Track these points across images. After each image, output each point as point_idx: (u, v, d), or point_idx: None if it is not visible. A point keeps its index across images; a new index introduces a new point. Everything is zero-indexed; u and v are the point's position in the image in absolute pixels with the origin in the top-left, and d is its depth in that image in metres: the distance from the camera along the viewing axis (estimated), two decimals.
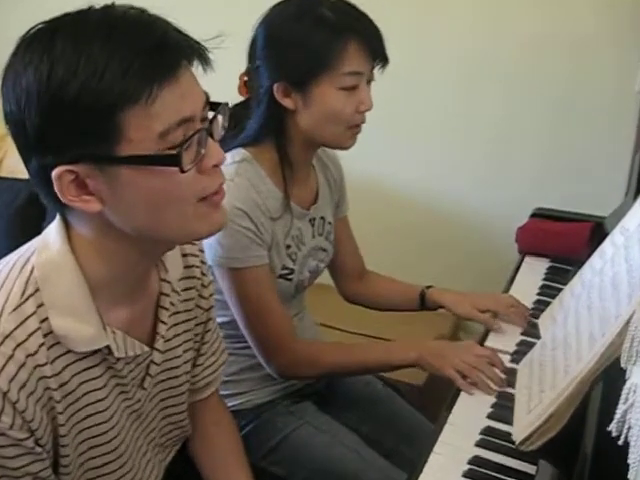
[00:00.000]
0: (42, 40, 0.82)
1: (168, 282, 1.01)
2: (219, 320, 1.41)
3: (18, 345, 0.87)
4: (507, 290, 1.69)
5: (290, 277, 1.49)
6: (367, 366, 1.45)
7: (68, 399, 0.93)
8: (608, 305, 1.05)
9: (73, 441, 0.96)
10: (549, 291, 1.68)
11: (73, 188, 0.84)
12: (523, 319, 1.55)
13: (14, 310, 0.88)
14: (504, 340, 1.51)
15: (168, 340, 1.03)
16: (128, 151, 0.81)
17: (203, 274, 1.10)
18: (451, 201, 2.53)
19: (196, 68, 0.87)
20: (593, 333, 1.05)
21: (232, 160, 1.40)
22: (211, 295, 1.14)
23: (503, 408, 1.27)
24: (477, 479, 1.16)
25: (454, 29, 2.35)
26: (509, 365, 1.40)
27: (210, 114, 0.89)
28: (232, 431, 1.27)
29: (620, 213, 1.44)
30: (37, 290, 0.89)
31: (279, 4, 1.40)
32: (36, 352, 0.88)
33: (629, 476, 0.75)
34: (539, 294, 1.70)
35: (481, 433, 1.25)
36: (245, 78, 1.43)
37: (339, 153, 1.58)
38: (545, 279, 1.76)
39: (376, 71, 1.40)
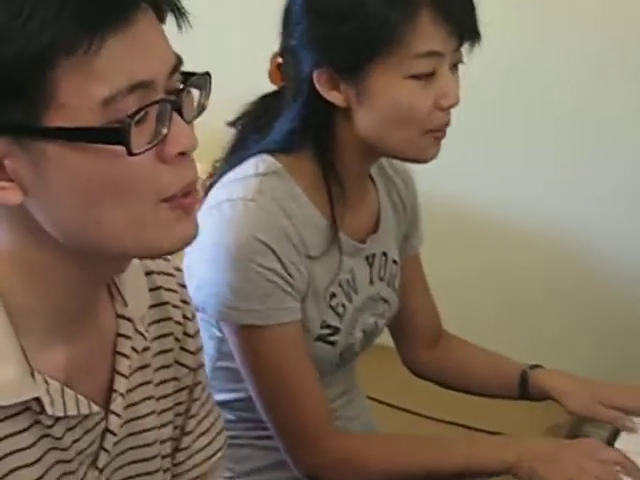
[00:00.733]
0: None
1: (128, 320, 0.94)
2: (229, 396, 1.30)
3: None
4: None
5: (334, 339, 1.31)
6: (439, 470, 1.28)
7: None
8: None
9: None
10: None
11: None
12: None
13: None
14: None
15: (133, 405, 0.96)
16: (59, 121, 0.76)
17: (186, 318, 1.03)
18: (568, 235, 2.38)
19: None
20: None
21: (254, 171, 1.23)
22: (199, 349, 1.05)
23: None
24: None
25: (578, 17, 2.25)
26: None
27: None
28: None
29: None
30: None
31: None
32: None
33: None
34: None
35: None
36: (279, 60, 1.26)
37: (412, 166, 1.42)
38: None
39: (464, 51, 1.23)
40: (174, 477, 1.08)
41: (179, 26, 0.80)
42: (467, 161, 2.36)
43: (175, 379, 1.03)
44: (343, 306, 1.30)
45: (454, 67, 1.21)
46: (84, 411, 0.90)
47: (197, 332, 1.06)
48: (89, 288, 0.89)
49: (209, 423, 1.11)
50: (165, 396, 1.02)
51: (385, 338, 1.51)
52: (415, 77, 1.17)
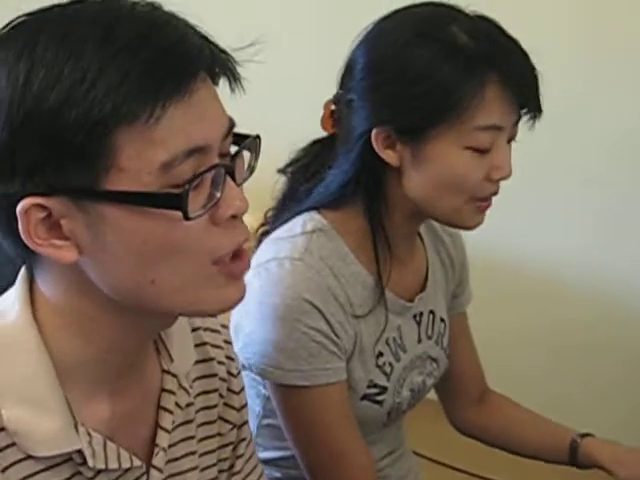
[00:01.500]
0: (22, 36, 0.78)
1: (173, 375, 0.94)
2: (275, 454, 1.29)
3: None
4: None
5: (381, 399, 1.27)
6: None
7: None
8: None
9: None
10: None
11: (43, 229, 0.78)
12: None
13: None
14: None
15: (175, 460, 0.95)
16: (118, 185, 0.76)
17: (231, 374, 1.02)
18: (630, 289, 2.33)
19: (226, 92, 0.81)
20: None
21: (302, 229, 1.22)
22: (244, 406, 1.04)
23: None
24: None
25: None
26: None
27: (234, 150, 0.84)
28: None
29: None
30: None
31: (388, 17, 1.20)
32: None
33: None
34: None
35: None
36: (332, 107, 1.24)
37: None
38: None
39: (522, 124, 1.20)
40: None
41: (232, 90, 0.81)
42: (514, 216, 2.33)
43: (219, 435, 1.02)
44: (390, 365, 1.27)
45: (509, 141, 1.19)
46: (126, 465, 0.90)
47: (242, 389, 1.04)
48: (136, 342, 0.89)
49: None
50: (208, 452, 1.01)
51: (432, 391, 1.47)
52: (473, 149, 1.16)
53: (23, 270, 0.86)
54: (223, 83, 0.81)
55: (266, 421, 1.24)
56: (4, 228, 0.81)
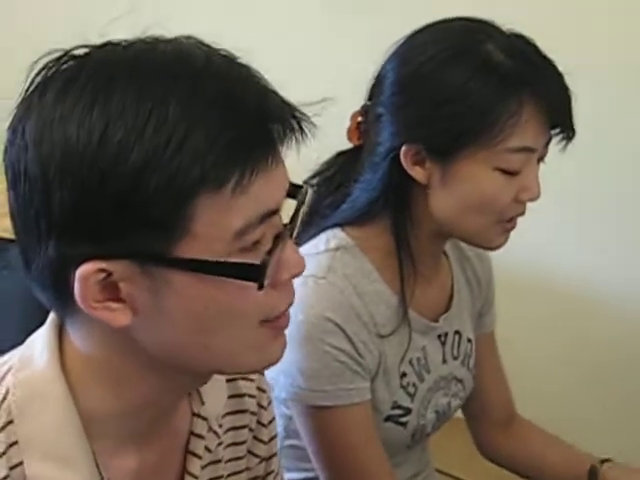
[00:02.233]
0: (91, 81, 0.72)
1: (204, 419, 0.91)
2: (298, 475, 1.27)
3: None
4: None
5: (405, 420, 1.26)
6: None
7: None
8: None
9: None
10: None
11: (98, 291, 0.74)
12: None
13: None
14: None
15: None
16: (190, 251, 0.72)
17: (261, 406, 1.00)
18: None
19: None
20: None
21: (325, 247, 1.21)
22: (272, 439, 1.01)
23: None
24: None
25: None
26: None
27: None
28: None
29: None
30: (10, 422, 0.81)
31: (421, 31, 1.18)
32: None
33: None
34: None
35: None
36: (359, 118, 1.23)
37: None
38: None
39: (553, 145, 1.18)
40: None
41: (297, 141, 0.77)
42: (543, 233, 2.30)
43: (247, 469, 1.00)
44: (414, 386, 1.26)
45: (539, 161, 1.18)
46: None
47: (271, 420, 1.02)
48: (171, 398, 0.87)
49: None
50: None
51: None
52: (502, 170, 1.14)
53: (52, 315, 0.83)
54: None
55: (289, 442, 1.23)
56: (52, 288, 0.77)
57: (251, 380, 0.99)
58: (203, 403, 0.92)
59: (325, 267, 1.17)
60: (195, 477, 0.91)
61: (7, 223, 0.81)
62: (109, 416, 0.82)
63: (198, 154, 0.70)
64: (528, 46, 1.13)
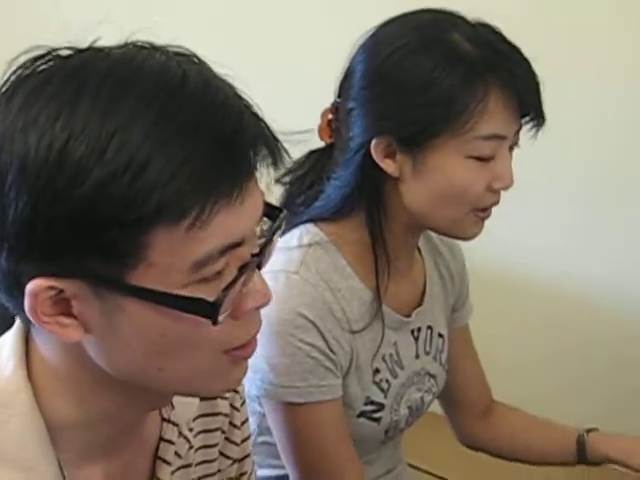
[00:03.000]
0: (61, 92, 0.69)
1: (174, 424, 0.89)
2: (271, 472, 1.26)
3: None
4: None
5: (378, 416, 1.25)
6: None
7: None
8: None
9: None
10: None
11: (49, 305, 0.72)
12: None
13: None
14: None
15: None
16: (145, 280, 0.70)
17: (234, 408, 0.98)
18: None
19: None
20: None
21: (298, 243, 1.20)
22: (245, 440, 1.00)
23: None
24: None
25: None
26: None
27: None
28: None
29: None
30: None
31: (388, 24, 1.17)
32: None
33: None
34: None
35: None
36: (329, 116, 1.22)
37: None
38: None
39: (524, 132, 1.18)
40: None
41: (273, 168, 0.74)
42: (524, 234, 2.24)
43: (219, 471, 0.99)
44: (387, 382, 1.26)
45: (511, 149, 1.18)
46: None
47: (244, 421, 1.01)
48: (133, 413, 0.86)
49: None
50: None
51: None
52: (474, 158, 1.14)
53: (17, 326, 0.81)
54: None
55: (261, 439, 1.22)
56: (6, 293, 0.76)
57: None
58: (173, 408, 0.90)
59: (298, 262, 1.17)
60: None
61: None
62: (73, 427, 0.81)
63: (158, 183, 0.67)
64: (494, 34, 1.13)
